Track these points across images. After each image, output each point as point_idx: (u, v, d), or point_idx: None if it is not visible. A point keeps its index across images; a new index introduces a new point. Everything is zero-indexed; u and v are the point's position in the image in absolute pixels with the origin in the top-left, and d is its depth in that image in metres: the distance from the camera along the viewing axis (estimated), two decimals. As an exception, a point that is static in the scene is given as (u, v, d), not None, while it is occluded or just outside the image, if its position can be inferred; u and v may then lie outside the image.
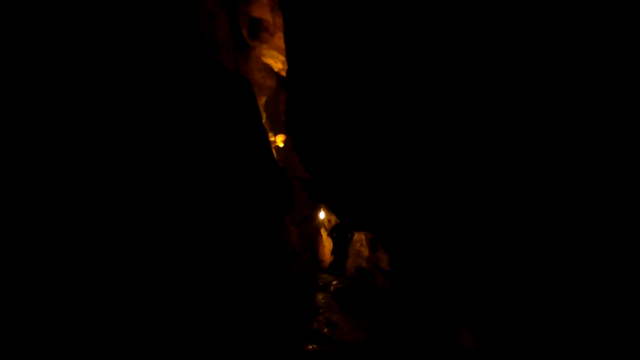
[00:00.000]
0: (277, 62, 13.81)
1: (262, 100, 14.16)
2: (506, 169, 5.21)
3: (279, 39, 12.40)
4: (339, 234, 16.01)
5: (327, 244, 19.40)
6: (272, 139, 14.50)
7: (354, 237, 19.35)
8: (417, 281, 9.13)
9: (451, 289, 7.90)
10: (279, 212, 7.59)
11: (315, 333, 9.34)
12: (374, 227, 8.40)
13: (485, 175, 5.74)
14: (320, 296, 12.57)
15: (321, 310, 11.45)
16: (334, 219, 20.34)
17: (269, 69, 14.47)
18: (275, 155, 14.26)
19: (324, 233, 20.64)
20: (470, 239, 6.73)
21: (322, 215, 18.68)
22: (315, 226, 18.18)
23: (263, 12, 12.38)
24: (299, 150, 7.77)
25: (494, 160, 5.30)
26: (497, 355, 7.23)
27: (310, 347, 8.57)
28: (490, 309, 7.17)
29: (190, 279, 5.54)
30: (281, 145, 14.69)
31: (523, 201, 5.26)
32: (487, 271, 6.77)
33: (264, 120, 14.25)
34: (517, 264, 6.17)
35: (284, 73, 13.52)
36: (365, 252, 19.41)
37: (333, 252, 16.33)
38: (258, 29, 13.11)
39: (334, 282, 13.80)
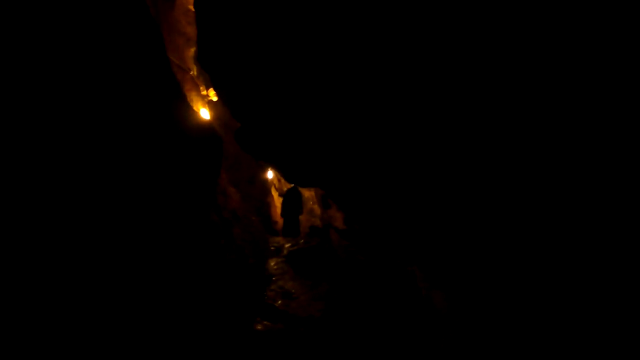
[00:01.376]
0: (205, 9, 12.14)
1: (191, 52, 12.51)
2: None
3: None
4: (289, 193, 14.75)
5: (278, 204, 18.14)
6: (203, 92, 12.87)
7: (306, 195, 18.19)
8: (377, 240, 8.00)
9: (416, 247, 6.76)
10: (206, 173, 6.22)
11: (268, 307, 8.13)
12: (322, 181, 7.10)
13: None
14: (272, 262, 11.34)
15: (274, 278, 10.24)
16: (283, 177, 19.08)
17: (197, 16, 12.78)
18: (208, 111, 12.70)
19: (274, 193, 19.33)
20: (435, 194, 5.57)
21: (270, 174, 17.32)
22: (265, 186, 16.84)
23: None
24: (226, 96, 6.35)
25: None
26: (473, 315, 6.25)
27: (262, 325, 7.33)
28: (463, 267, 6.10)
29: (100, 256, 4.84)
30: (215, 98, 13.11)
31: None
32: (453, 226, 5.65)
33: (194, 73, 12.63)
34: (494, 220, 5.02)
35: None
36: (317, 210, 18.28)
37: (283, 213, 15.08)
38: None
39: (287, 245, 12.56)
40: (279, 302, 8.52)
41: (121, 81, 5.41)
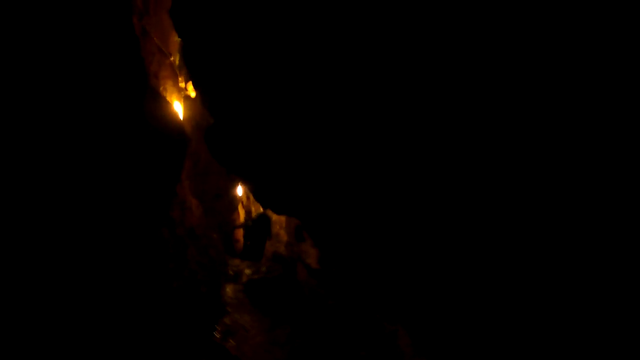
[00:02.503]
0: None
1: (176, 37, 11.06)
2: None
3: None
4: (258, 217, 13.46)
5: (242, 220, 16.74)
6: (181, 84, 11.36)
7: (273, 218, 16.82)
8: (355, 286, 6.70)
9: (405, 301, 5.57)
10: (162, 178, 4.89)
11: (217, 348, 6.65)
12: (300, 211, 5.80)
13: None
14: (229, 289, 9.87)
15: (229, 309, 8.77)
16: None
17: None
18: (183, 107, 11.23)
19: (241, 211, 17.87)
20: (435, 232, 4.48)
21: (240, 191, 15.88)
22: (232, 203, 15.38)
23: None
24: (203, 82, 5.03)
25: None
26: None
27: None
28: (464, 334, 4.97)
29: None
30: (193, 94, 11.63)
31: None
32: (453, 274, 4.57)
33: (174, 60, 11.18)
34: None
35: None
36: (284, 236, 16.89)
37: (247, 237, 13.73)
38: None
39: (247, 272, 11.10)
40: (231, 342, 7.06)
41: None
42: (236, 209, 16.61)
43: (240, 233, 15.80)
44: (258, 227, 13.56)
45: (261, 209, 15.56)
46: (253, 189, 5.76)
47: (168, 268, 6.09)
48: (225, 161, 5.44)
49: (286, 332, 7.86)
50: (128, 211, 5.10)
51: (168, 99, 9.46)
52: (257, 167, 5.06)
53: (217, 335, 7.07)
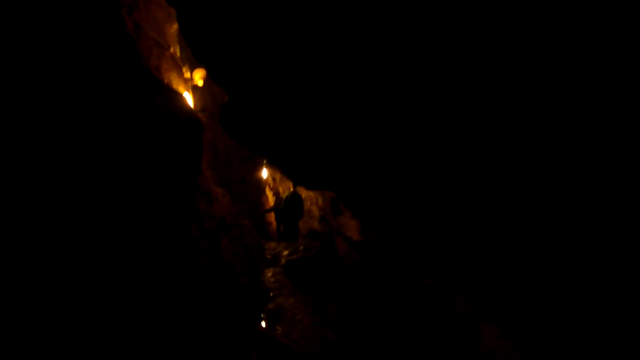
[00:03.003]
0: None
1: (173, 28, 10.61)
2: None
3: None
4: (290, 196, 13.07)
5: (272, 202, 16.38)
6: (187, 75, 10.89)
7: (303, 195, 16.40)
8: (403, 254, 6.23)
9: (462, 263, 5.07)
10: (180, 169, 4.47)
11: (266, 339, 6.28)
12: (335, 183, 5.31)
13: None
14: (270, 273, 9.49)
15: (272, 294, 8.40)
16: (278, 175, 17.22)
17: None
18: (192, 97, 10.77)
19: (269, 193, 17.49)
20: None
21: (265, 173, 15.47)
22: (259, 186, 15.00)
23: None
24: (211, 53, 4.53)
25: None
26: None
27: None
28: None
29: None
30: (200, 83, 11.15)
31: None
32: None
33: (174, 51, 10.70)
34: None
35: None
36: (316, 211, 16.49)
37: (280, 218, 13.37)
38: None
39: (285, 253, 10.70)
40: (278, 329, 6.67)
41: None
42: (264, 192, 16.23)
43: (271, 216, 15.43)
44: (289, 207, 13.16)
45: (290, 188, 15.16)
46: (281, 165, 5.29)
47: (202, 265, 5.71)
48: (246, 139, 4.97)
49: (334, 311, 7.46)
50: (150, 208, 4.71)
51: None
52: (282, 142, 4.58)
53: (264, 325, 6.70)
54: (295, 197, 13.15)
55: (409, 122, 4.06)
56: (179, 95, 7.16)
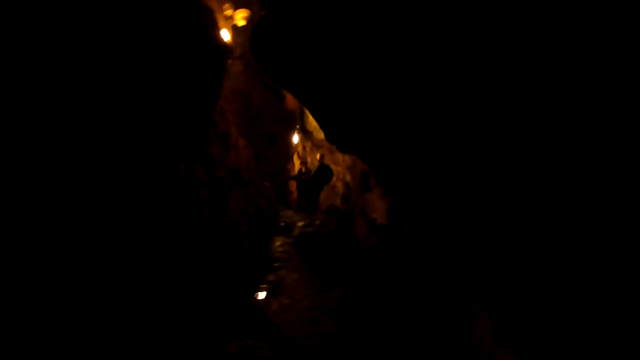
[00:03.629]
0: None
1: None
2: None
3: None
4: (320, 167, 12.41)
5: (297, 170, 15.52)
6: (227, 12, 9.82)
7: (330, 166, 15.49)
8: (426, 250, 5.29)
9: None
10: (193, 96, 3.64)
11: (255, 313, 5.41)
12: (373, 150, 4.35)
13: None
14: (279, 242, 8.64)
15: (276, 265, 7.54)
16: (309, 144, 16.30)
17: None
18: (230, 35, 9.77)
19: (297, 161, 16.61)
20: None
21: (295, 138, 14.57)
22: (288, 151, 14.12)
23: None
24: None
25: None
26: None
27: (239, 344, 4.62)
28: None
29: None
30: (241, 23, 10.10)
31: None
32: None
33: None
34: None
35: None
36: (340, 188, 15.55)
37: (300, 188, 12.60)
38: None
39: (300, 224, 9.82)
40: (274, 306, 5.80)
41: None
42: (291, 159, 15.35)
43: (294, 185, 14.61)
44: (316, 178, 12.34)
45: (317, 160, 14.31)
46: (314, 112, 4.32)
47: (201, 216, 4.85)
48: (275, 70, 4.01)
49: (338, 296, 6.55)
50: (145, 136, 3.85)
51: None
52: (320, 81, 3.61)
53: (259, 296, 5.85)
54: (323, 169, 12.33)
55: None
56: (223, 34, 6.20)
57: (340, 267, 7.62)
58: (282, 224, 9.66)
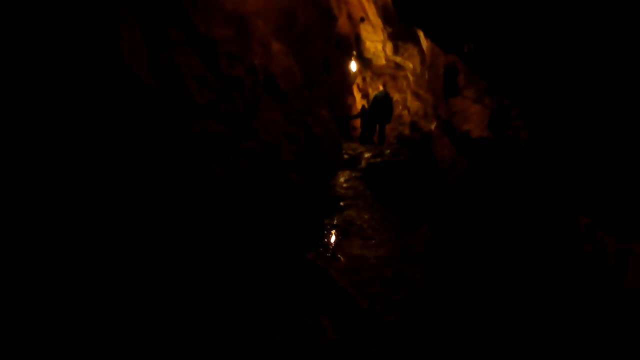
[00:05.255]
0: None
1: None
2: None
3: None
4: (379, 96, 10.77)
5: (360, 106, 13.53)
6: None
7: (396, 99, 13.41)
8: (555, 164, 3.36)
9: None
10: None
11: (316, 274, 3.66)
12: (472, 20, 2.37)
13: None
14: (343, 177, 6.89)
15: (342, 203, 5.80)
16: (369, 74, 14.18)
17: None
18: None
19: (357, 95, 14.60)
20: None
21: (353, 66, 12.51)
22: (345, 79, 12.14)
23: None
24: None
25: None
26: None
27: (285, 331, 2.90)
28: None
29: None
30: None
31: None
32: None
33: None
34: None
35: None
36: (407, 116, 13.49)
37: (364, 121, 10.83)
38: None
39: (367, 155, 8.00)
40: (340, 259, 4.04)
41: None
42: (350, 88, 13.33)
43: (358, 122, 12.76)
44: (378, 107, 10.57)
45: (380, 88, 12.31)
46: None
47: (199, 134, 3.02)
48: None
49: (425, 239, 4.74)
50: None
51: None
52: None
53: (320, 250, 4.12)
54: (385, 98, 10.77)
55: None
56: None
57: (421, 200, 5.78)
58: (346, 156, 7.86)
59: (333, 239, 4.58)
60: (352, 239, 4.70)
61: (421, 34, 9.10)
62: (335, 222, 5.10)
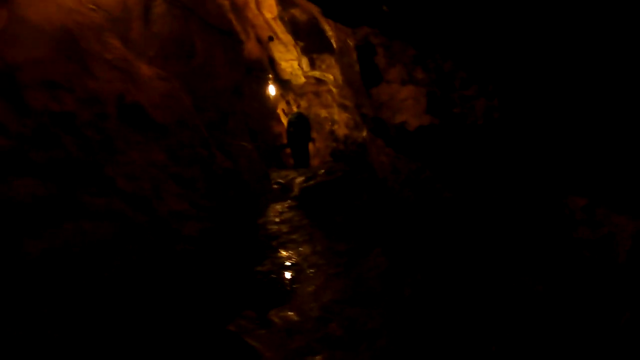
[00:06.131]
0: None
1: None
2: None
3: None
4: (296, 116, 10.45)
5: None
6: None
7: (322, 115, 12.53)
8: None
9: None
10: None
11: (234, 347, 2.53)
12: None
13: None
14: (274, 211, 5.79)
15: (274, 243, 4.69)
16: (292, 96, 13.22)
17: None
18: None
19: (285, 120, 13.58)
20: None
21: (272, 90, 11.52)
22: (263, 105, 11.11)
23: None
24: None
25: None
26: None
27: None
28: None
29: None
30: None
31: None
32: None
33: None
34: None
35: None
36: (339, 130, 12.61)
37: (289, 142, 10.38)
38: None
39: (299, 180, 6.95)
40: (274, 320, 2.92)
41: None
42: (273, 114, 12.29)
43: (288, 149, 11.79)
44: (296, 128, 10.24)
45: (295, 109, 11.59)
46: None
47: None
48: None
49: (379, 266, 3.69)
50: None
51: None
52: None
53: (247, 313, 2.98)
54: (299, 118, 10.43)
55: None
56: None
57: (367, 220, 4.77)
58: (275, 186, 6.76)
59: (265, 290, 3.45)
60: (288, 288, 3.59)
61: (325, 25, 8.06)
62: (266, 268, 3.98)
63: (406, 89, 2.98)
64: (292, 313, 3.06)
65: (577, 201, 2.71)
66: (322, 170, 7.09)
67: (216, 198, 3.53)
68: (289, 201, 6.09)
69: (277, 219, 5.43)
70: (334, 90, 11.91)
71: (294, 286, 3.57)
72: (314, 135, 11.38)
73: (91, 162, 2.45)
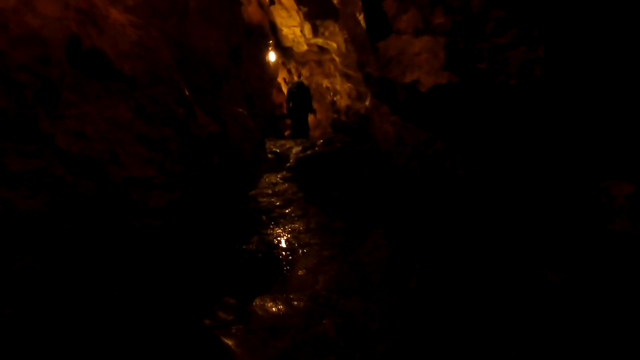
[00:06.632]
0: None
1: None
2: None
3: None
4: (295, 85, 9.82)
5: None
6: None
7: (324, 85, 11.93)
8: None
9: None
10: None
11: (208, 346, 2.08)
12: None
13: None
14: (267, 182, 5.28)
15: (265, 218, 4.22)
16: (293, 64, 12.55)
17: None
18: None
19: (283, 84, 12.94)
20: None
21: (272, 57, 10.88)
22: (262, 70, 10.48)
23: None
24: None
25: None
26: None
27: None
28: None
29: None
30: None
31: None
32: None
33: None
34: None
35: None
36: (340, 101, 12.03)
37: (289, 112, 9.78)
38: None
39: (296, 150, 6.43)
40: (257, 307, 2.46)
41: None
42: (273, 81, 11.66)
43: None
44: (296, 99, 9.61)
45: (296, 78, 10.98)
46: None
47: None
48: None
49: (380, 249, 3.21)
50: None
51: None
52: None
53: (228, 301, 2.50)
54: (299, 87, 9.77)
55: None
56: None
57: (369, 195, 4.26)
58: (270, 156, 6.23)
59: (251, 275, 2.97)
60: (276, 270, 3.11)
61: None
62: (254, 247, 3.49)
63: (420, 40, 2.43)
64: (278, 303, 2.58)
65: (621, 187, 2.19)
66: (321, 141, 6.56)
67: (195, 164, 3.03)
68: (283, 172, 5.57)
69: (269, 191, 4.93)
70: (336, 59, 11.28)
71: (283, 269, 3.10)
72: (315, 105, 10.78)
73: (22, 115, 1.94)
